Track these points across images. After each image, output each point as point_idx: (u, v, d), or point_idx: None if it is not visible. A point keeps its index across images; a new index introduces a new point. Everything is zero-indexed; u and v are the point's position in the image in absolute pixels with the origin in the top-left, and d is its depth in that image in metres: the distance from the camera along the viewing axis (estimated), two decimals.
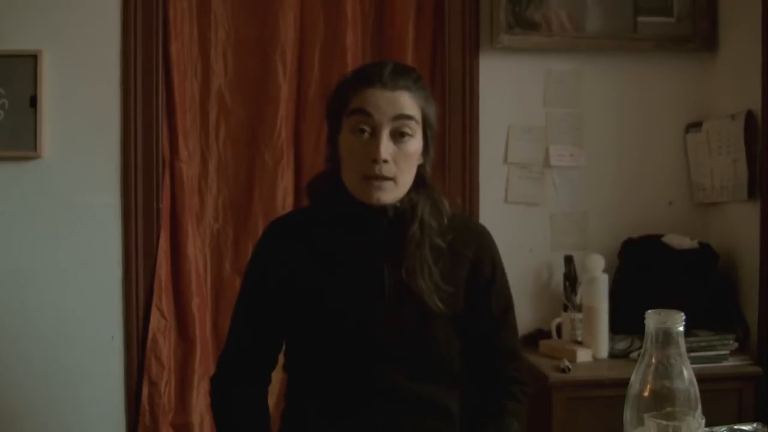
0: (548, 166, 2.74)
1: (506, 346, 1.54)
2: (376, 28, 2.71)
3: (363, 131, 1.39)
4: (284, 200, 2.64)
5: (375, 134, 1.39)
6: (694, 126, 2.74)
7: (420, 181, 1.47)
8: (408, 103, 1.40)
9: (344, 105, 1.42)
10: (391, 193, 1.41)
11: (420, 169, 1.47)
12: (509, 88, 2.72)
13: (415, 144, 1.42)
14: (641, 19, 2.70)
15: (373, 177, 1.38)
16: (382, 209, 1.43)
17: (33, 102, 2.50)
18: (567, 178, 2.75)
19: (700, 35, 2.71)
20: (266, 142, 2.64)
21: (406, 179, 1.43)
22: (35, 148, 2.50)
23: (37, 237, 2.54)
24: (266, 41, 2.64)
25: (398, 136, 1.40)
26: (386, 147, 1.38)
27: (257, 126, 2.65)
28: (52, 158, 2.53)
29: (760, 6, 2.44)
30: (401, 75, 1.42)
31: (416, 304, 1.42)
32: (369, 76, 1.41)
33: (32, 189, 2.54)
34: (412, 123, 1.40)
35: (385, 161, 1.37)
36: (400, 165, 1.40)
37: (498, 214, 2.64)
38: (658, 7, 2.71)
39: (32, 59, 2.49)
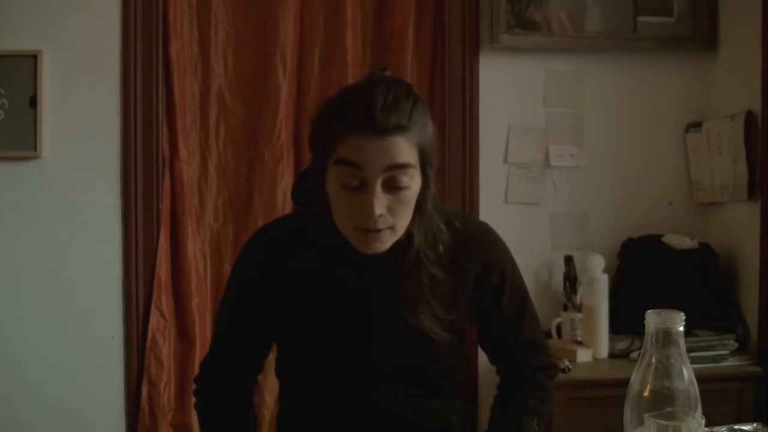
0: (548, 166, 2.74)
1: (527, 339, 1.49)
2: (376, 28, 2.72)
3: (352, 185, 1.23)
4: (284, 200, 2.64)
5: (366, 187, 1.22)
6: (694, 126, 2.74)
7: (419, 208, 1.32)
8: (402, 149, 1.22)
9: (329, 148, 1.25)
10: (389, 240, 1.29)
11: (419, 196, 1.31)
12: (509, 88, 2.72)
13: (412, 190, 1.26)
14: (641, 19, 2.70)
15: (367, 230, 1.25)
16: None
17: (33, 102, 2.50)
18: (567, 178, 2.75)
19: (700, 35, 2.71)
20: (266, 142, 2.64)
21: (404, 223, 1.29)
22: (35, 148, 2.50)
23: (37, 237, 2.54)
24: (266, 41, 2.64)
25: (393, 188, 1.24)
26: (380, 201, 1.22)
27: (257, 126, 2.65)
28: (52, 158, 2.53)
29: (760, 6, 2.44)
30: (394, 110, 1.21)
31: (416, 330, 1.35)
32: (357, 119, 1.21)
33: (32, 189, 2.54)
34: (408, 171, 1.24)
35: (380, 215, 1.23)
36: (396, 213, 1.26)
37: (498, 214, 2.64)
38: (658, 7, 2.71)
39: (32, 59, 2.49)
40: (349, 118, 1.22)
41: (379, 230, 1.25)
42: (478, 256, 1.41)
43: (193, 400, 1.49)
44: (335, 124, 1.24)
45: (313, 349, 1.40)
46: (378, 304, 1.37)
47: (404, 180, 1.24)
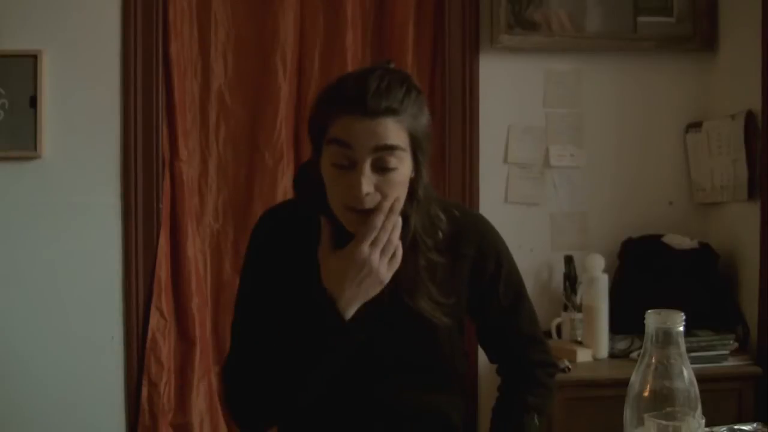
0: (548, 166, 2.74)
1: (525, 332, 1.51)
2: (376, 28, 2.72)
3: (342, 163, 1.27)
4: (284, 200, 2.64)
5: (355, 166, 1.26)
6: (694, 126, 2.74)
7: (412, 193, 1.35)
8: (391, 131, 1.26)
9: (323, 130, 1.30)
10: None
11: (412, 182, 1.34)
12: (509, 88, 2.72)
13: (401, 173, 1.29)
14: (641, 19, 2.70)
15: (356, 210, 1.29)
16: None
17: (33, 102, 2.50)
18: (567, 178, 2.75)
19: (700, 35, 2.71)
20: (266, 142, 2.64)
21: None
22: (35, 148, 2.50)
23: (37, 237, 2.54)
24: (266, 41, 2.64)
25: (381, 168, 1.27)
26: (368, 180, 1.26)
27: (257, 126, 2.65)
28: (52, 158, 2.53)
29: (760, 6, 2.44)
30: (386, 95, 1.26)
31: (416, 318, 1.37)
32: (348, 100, 1.26)
33: (32, 189, 2.54)
34: (396, 153, 1.27)
35: (367, 194, 1.27)
36: (384, 194, 1.29)
37: (498, 214, 2.59)
38: (658, 7, 2.71)
39: (32, 59, 2.49)
40: (343, 99, 1.28)
41: (367, 210, 1.28)
42: (475, 244, 1.44)
43: (228, 406, 1.42)
44: (329, 106, 1.30)
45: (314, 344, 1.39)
46: (379, 294, 1.36)
47: (392, 161, 1.27)
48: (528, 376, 1.51)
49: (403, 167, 1.30)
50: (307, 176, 1.42)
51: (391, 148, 1.27)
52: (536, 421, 1.45)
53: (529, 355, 1.52)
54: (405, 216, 1.35)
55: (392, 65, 1.37)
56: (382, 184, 1.28)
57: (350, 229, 1.32)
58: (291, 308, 1.40)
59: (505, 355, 1.54)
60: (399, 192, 1.31)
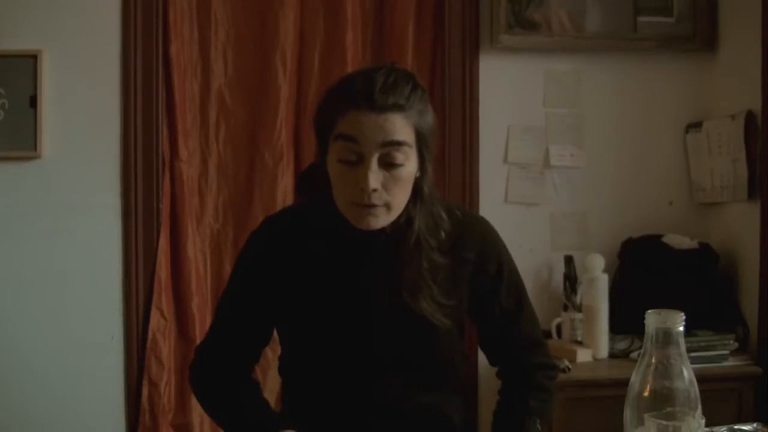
0: (548, 166, 2.74)
1: (526, 336, 1.51)
2: (376, 28, 2.72)
3: (350, 159, 1.28)
4: (284, 200, 2.64)
5: (363, 162, 1.27)
6: (694, 126, 2.74)
7: (417, 192, 1.36)
8: (399, 126, 1.27)
9: (329, 127, 1.31)
10: (383, 218, 1.32)
11: (417, 180, 1.36)
12: (509, 88, 2.72)
13: (407, 169, 1.31)
14: (641, 19, 2.70)
15: (362, 205, 1.29)
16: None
17: (33, 102, 2.50)
18: (567, 178, 2.75)
19: (700, 35, 2.71)
20: (266, 142, 2.64)
21: (399, 203, 1.33)
22: (35, 148, 2.50)
23: (37, 237, 2.54)
24: (266, 41, 2.64)
25: (388, 164, 1.28)
26: (375, 175, 1.27)
27: (257, 126, 2.65)
28: (52, 158, 2.53)
29: (760, 6, 2.44)
30: (392, 91, 1.27)
31: (417, 318, 1.37)
32: (356, 96, 1.27)
33: (32, 189, 2.54)
34: (403, 149, 1.28)
35: (375, 190, 1.28)
36: (391, 190, 1.30)
37: (498, 214, 2.61)
38: (658, 7, 2.71)
39: (32, 59, 2.49)
40: (350, 96, 1.28)
41: (373, 206, 1.29)
42: (477, 247, 1.44)
43: (192, 386, 1.51)
44: (336, 102, 1.31)
45: (315, 337, 1.41)
46: (379, 291, 1.39)
47: (399, 157, 1.29)
48: (529, 380, 1.50)
49: (409, 164, 1.31)
50: (312, 178, 1.43)
51: (399, 144, 1.28)
52: (538, 425, 1.44)
53: (530, 358, 1.51)
54: (409, 216, 1.36)
55: (397, 65, 1.38)
56: (389, 180, 1.29)
57: (355, 225, 1.33)
58: (291, 324, 1.44)
59: (506, 358, 1.54)
60: (404, 188, 1.32)
